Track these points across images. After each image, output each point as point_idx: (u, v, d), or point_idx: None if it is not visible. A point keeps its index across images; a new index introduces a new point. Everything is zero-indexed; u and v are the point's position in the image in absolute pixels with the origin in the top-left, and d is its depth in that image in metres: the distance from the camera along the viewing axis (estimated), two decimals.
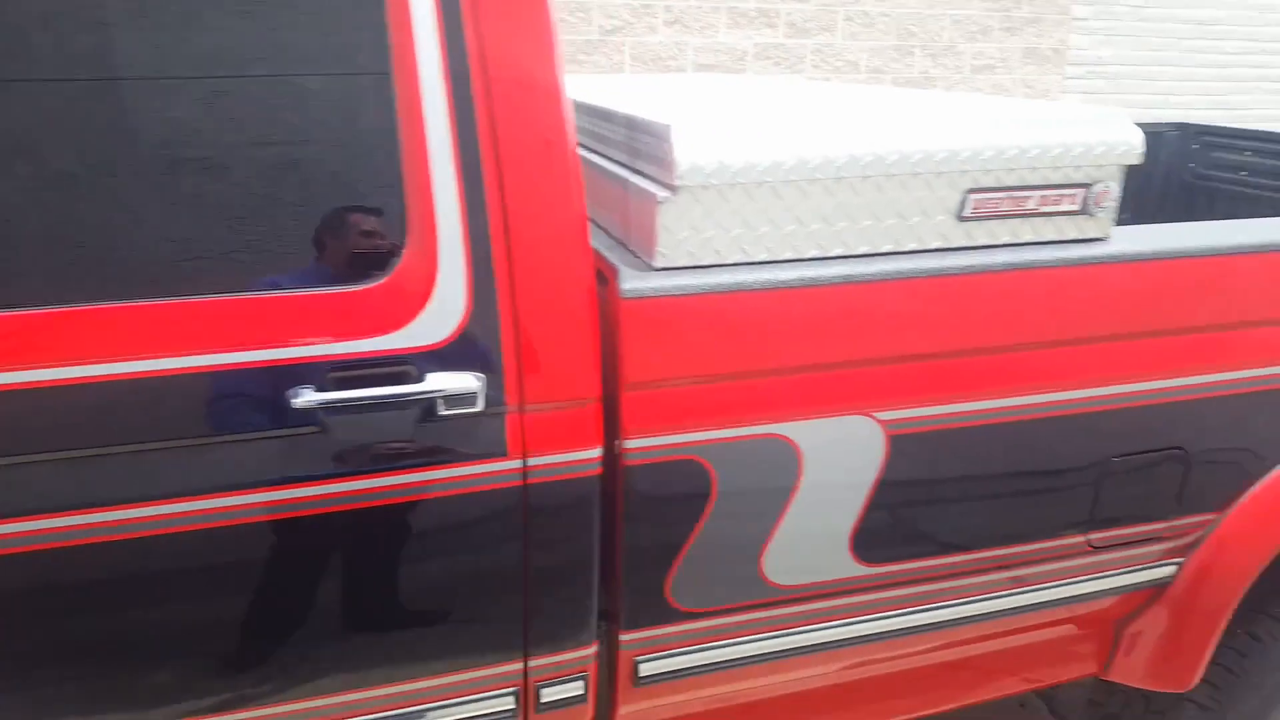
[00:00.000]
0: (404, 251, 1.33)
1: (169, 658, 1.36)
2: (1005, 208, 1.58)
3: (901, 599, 1.67)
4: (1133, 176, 1.67)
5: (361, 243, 1.34)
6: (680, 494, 1.50)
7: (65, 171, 1.24)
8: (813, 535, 1.58)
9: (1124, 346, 1.63)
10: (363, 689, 1.42)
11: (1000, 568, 1.66)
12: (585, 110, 1.86)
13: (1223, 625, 1.68)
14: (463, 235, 1.32)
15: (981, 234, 1.60)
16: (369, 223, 1.35)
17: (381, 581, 1.44)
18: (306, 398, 1.28)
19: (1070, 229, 1.63)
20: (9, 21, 1.18)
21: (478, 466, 1.38)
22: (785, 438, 1.52)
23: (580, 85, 2.03)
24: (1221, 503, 1.68)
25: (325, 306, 1.31)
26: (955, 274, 1.55)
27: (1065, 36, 6.11)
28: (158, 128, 1.25)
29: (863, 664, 1.72)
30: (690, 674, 1.60)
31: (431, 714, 1.47)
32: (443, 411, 1.34)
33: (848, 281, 1.51)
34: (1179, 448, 1.63)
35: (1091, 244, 1.63)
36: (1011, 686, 1.83)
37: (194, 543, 1.28)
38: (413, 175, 1.31)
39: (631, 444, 1.45)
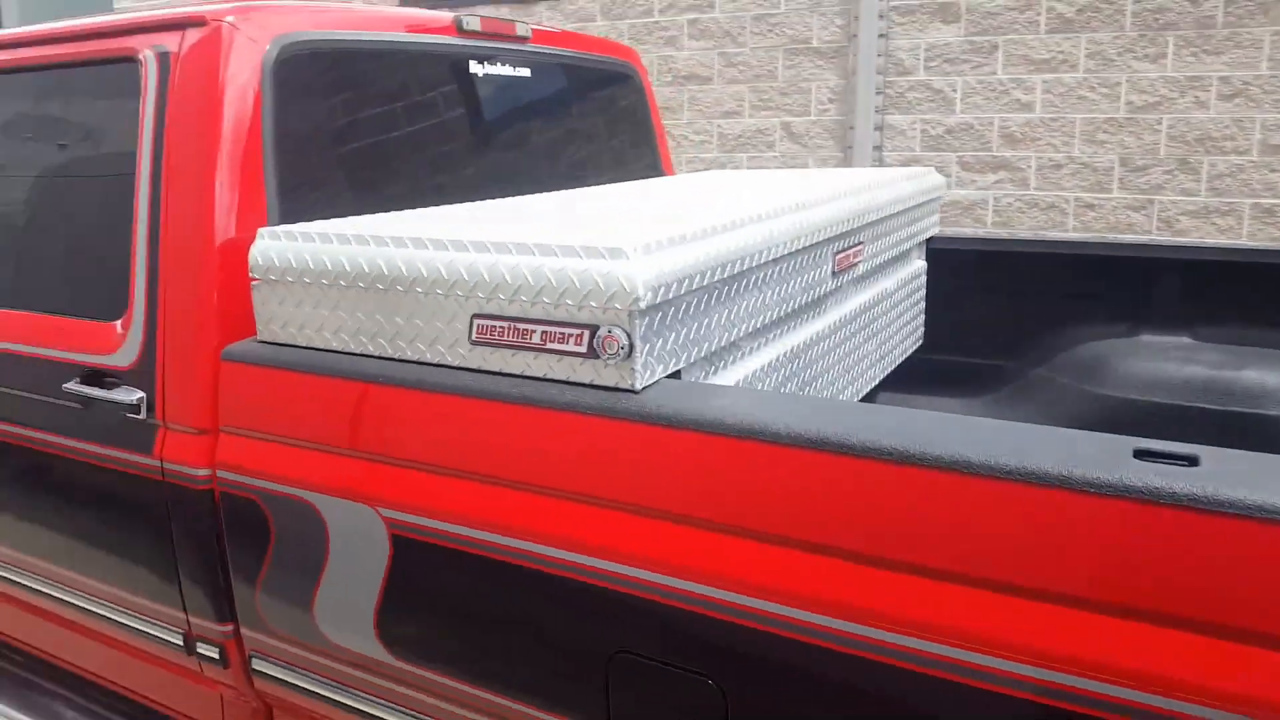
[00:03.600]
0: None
1: None
2: (509, 338, 1.53)
3: (420, 702, 1.71)
4: None
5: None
6: (250, 524, 1.83)
7: None
8: (343, 605, 1.73)
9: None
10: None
11: None
12: None
13: None
14: (144, 307, 1.97)
15: (495, 360, 1.56)
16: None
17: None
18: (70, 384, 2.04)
19: (586, 372, 1.49)
20: None
21: (135, 456, 1.98)
22: (313, 506, 1.73)
23: None
24: None
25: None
26: (454, 393, 1.57)
27: None
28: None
29: None
30: (274, 681, 1.92)
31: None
32: (126, 412, 1.98)
33: (367, 379, 1.66)
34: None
35: (615, 394, 1.47)
36: None
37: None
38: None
39: (222, 473, 1.85)
